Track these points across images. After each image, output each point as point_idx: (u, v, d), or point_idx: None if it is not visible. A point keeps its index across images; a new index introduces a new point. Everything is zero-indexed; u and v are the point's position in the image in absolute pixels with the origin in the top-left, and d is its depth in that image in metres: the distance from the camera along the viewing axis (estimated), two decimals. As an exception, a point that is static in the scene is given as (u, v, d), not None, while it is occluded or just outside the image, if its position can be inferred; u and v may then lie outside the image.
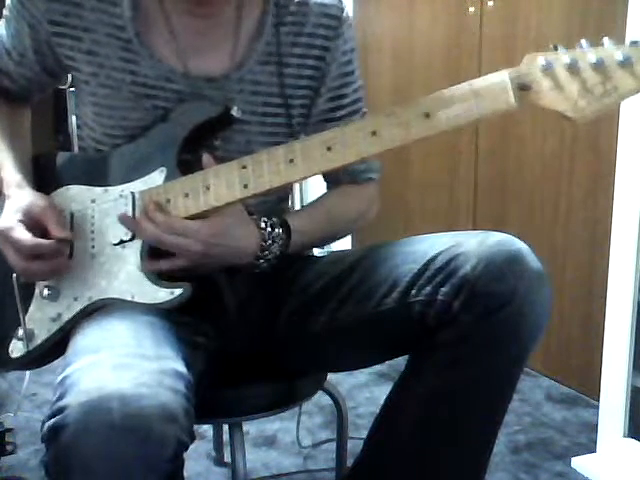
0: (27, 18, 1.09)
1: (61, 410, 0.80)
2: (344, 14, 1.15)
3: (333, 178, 1.24)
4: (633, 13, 1.62)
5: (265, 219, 1.08)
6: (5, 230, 1.02)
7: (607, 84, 0.87)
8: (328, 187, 1.26)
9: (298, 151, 0.99)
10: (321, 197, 1.24)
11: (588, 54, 0.88)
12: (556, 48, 0.90)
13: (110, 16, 1.07)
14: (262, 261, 1.07)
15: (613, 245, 1.73)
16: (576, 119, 0.89)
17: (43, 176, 1.15)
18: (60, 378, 0.85)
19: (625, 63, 0.86)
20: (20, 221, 1.02)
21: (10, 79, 1.18)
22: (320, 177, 1.17)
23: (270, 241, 1.07)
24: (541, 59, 0.90)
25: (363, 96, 1.21)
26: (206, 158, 1.03)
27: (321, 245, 1.21)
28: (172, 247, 1.01)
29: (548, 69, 0.89)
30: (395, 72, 2.86)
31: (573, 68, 0.88)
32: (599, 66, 0.87)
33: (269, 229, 1.07)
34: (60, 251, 1.05)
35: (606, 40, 0.88)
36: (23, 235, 1.01)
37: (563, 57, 0.89)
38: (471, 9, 2.41)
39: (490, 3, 2.34)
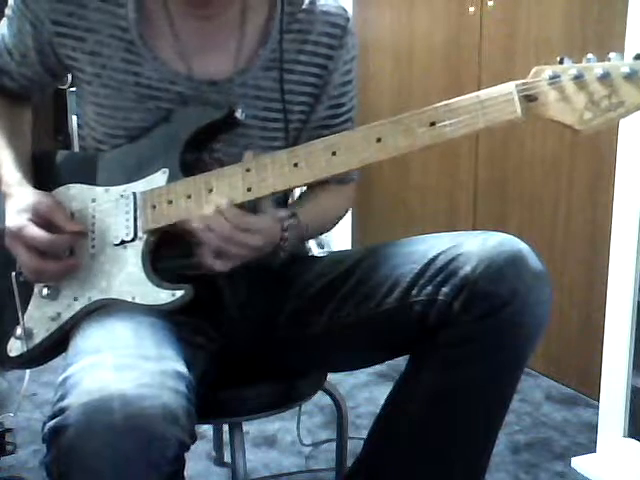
0: (30, 18, 1.09)
1: (62, 411, 0.80)
2: (349, 24, 1.15)
3: None
4: (632, 12, 1.62)
5: (284, 209, 1.09)
6: (17, 230, 1.01)
7: (613, 97, 0.88)
8: (310, 184, 1.25)
9: (302, 156, 0.99)
10: (312, 194, 1.22)
11: (595, 67, 0.89)
12: (562, 61, 0.91)
13: (114, 17, 1.07)
14: (281, 252, 1.07)
15: (613, 245, 1.73)
16: (582, 131, 0.90)
17: (43, 174, 1.15)
18: (61, 378, 0.85)
19: (631, 76, 0.87)
20: (30, 220, 1.02)
21: (11, 78, 1.18)
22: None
23: (288, 232, 1.06)
24: (548, 71, 0.91)
25: (356, 105, 1.21)
26: (247, 156, 1.02)
27: (309, 239, 1.23)
28: (240, 244, 0.99)
29: (555, 81, 0.90)
30: (395, 72, 2.86)
31: (580, 80, 0.89)
32: (605, 79, 0.88)
33: (289, 220, 1.06)
34: (73, 245, 1.04)
35: (613, 54, 0.89)
36: (38, 232, 1.01)
37: (570, 69, 0.90)
38: (471, 9, 2.41)
39: (490, 3, 2.34)
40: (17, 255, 1.04)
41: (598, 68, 0.88)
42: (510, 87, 0.92)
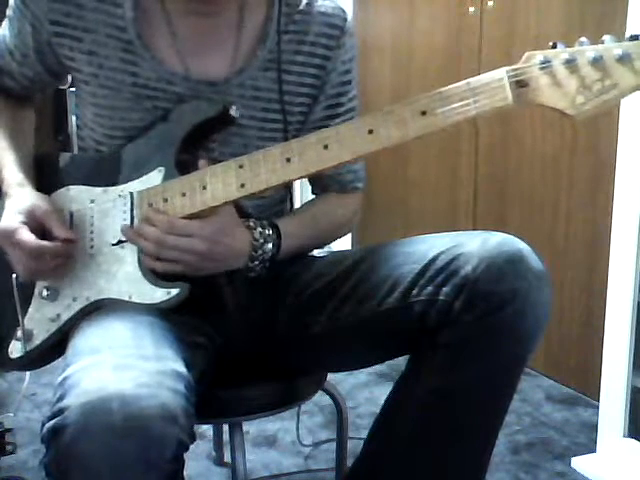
0: (29, 18, 1.10)
1: (61, 411, 0.80)
2: (347, 24, 1.15)
3: (321, 185, 1.24)
4: (633, 13, 1.62)
5: (253, 220, 1.08)
6: (9, 232, 1.02)
7: (606, 80, 0.86)
8: (314, 194, 1.27)
9: (295, 150, 0.98)
10: (309, 204, 1.24)
11: (587, 50, 0.87)
12: (555, 46, 0.89)
13: (111, 17, 1.07)
14: (257, 262, 1.07)
15: (613, 245, 1.72)
16: (575, 116, 0.89)
17: (44, 176, 1.16)
18: (60, 379, 0.85)
19: (624, 59, 0.85)
20: (23, 222, 1.03)
21: (12, 79, 1.19)
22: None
23: (262, 240, 1.07)
24: (539, 56, 0.89)
25: (357, 106, 1.21)
26: (202, 164, 1.03)
27: (309, 251, 1.21)
28: (175, 248, 1.00)
29: (546, 66, 0.89)
30: (395, 72, 2.86)
31: (571, 64, 0.88)
32: (597, 62, 0.86)
33: (259, 229, 1.07)
34: (64, 251, 1.05)
35: (607, 37, 0.87)
36: (27, 236, 1.02)
37: (562, 54, 0.88)
38: (471, 9, 2.41)
39: (490, 3, 2.34)
40: (9, 255, 1.04)
41: (590, 51, 0.86)
42: (501, 73, 0.90)
